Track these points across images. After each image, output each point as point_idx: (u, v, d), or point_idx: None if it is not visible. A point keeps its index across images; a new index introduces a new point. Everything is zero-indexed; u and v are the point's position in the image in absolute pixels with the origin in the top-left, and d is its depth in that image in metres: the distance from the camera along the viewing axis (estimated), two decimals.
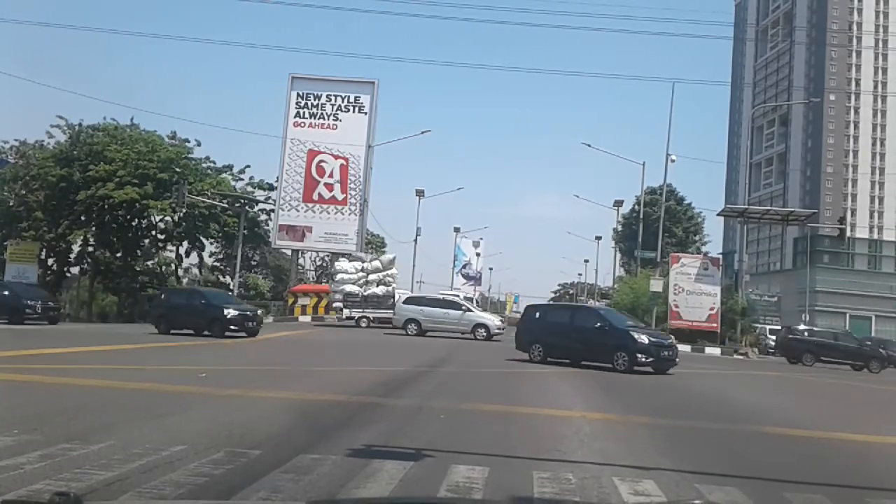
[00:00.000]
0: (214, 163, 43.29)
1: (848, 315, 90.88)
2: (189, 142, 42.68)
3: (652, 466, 6.04)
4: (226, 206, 41.56)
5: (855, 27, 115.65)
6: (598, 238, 70.18)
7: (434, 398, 9.92)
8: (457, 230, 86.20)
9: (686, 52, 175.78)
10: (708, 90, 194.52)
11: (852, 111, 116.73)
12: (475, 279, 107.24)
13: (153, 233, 43.10)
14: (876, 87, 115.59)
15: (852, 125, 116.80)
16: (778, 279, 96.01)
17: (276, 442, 6.26)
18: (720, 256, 40.36)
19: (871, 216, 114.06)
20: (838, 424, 10.28)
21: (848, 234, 60.27)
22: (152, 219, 41.79)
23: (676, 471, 5.95)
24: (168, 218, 41.27)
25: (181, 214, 41.04)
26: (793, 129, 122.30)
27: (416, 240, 56.28)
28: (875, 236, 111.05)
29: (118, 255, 42.55)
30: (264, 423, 7.27)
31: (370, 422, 7.67)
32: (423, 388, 11.35)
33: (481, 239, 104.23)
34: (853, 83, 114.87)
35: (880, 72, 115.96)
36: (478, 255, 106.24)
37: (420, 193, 54.51)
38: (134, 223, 42.63)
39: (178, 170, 40.60)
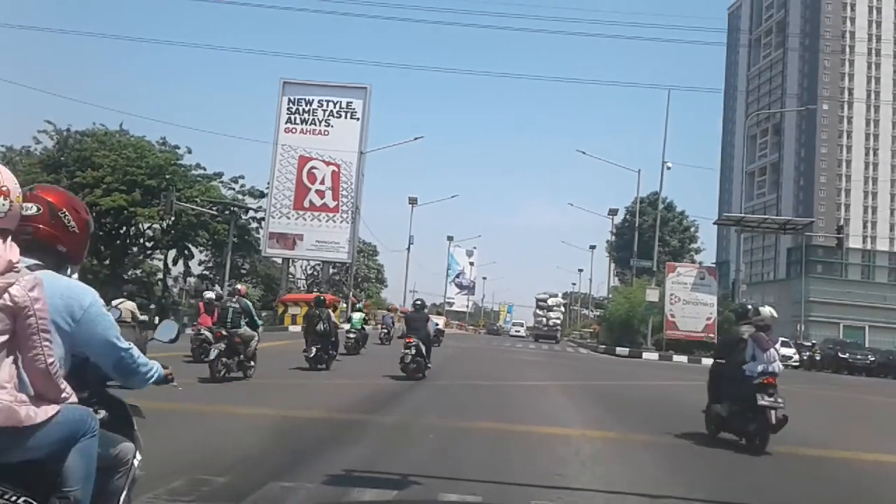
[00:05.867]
0: (205, 169, 42.72)
1: (842, 325, 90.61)
2: (179, 148, 42.09)
3: (661, 494, 5.47)
4: (215, 213, 40.92)
5: (848, 36, 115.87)
6: (593, 247, 69.96)
7: (423, 415, 9.33)
8: (450, 239, 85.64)
9: (681, 62, 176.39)
10: (701, 100, 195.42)
11: (845, 120, 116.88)
12: (469, 289, 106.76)
13: (140, 241, 42.41)
14: (869, 96, 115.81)
15: (845, 135, 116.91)
16: (771, 289, 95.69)
17: (245, 467, 5.65)
18: (716, 266, 39.92)
19: (865, 226, 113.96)
20: (854, 442, 9.74)
21: (847, 243, 59.80)
22: (140, 226, 41.12)
23: (688, 500, 5.38)
24: (156, 226, 40.63)
25: (169, 222, 40.41)
26: (786, 138, 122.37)
27: (408, 248, 55.74)
28: (868, 246, 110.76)
29: (106, 263, 41.81)
30: (237, 444, 6.66)
31: (352, 442, 7.07)
32: (412, 403, 10.74)
33: (475, 248, 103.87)
34: (846, 92, 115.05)
35: (873, 81, 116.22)
36: (471, 264, 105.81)
37: (413, 201, 53.95)
38: (122, 231, 41.97)
39: (167, 176, 39.96)
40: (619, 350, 34.23)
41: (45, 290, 2.26)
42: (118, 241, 41.91)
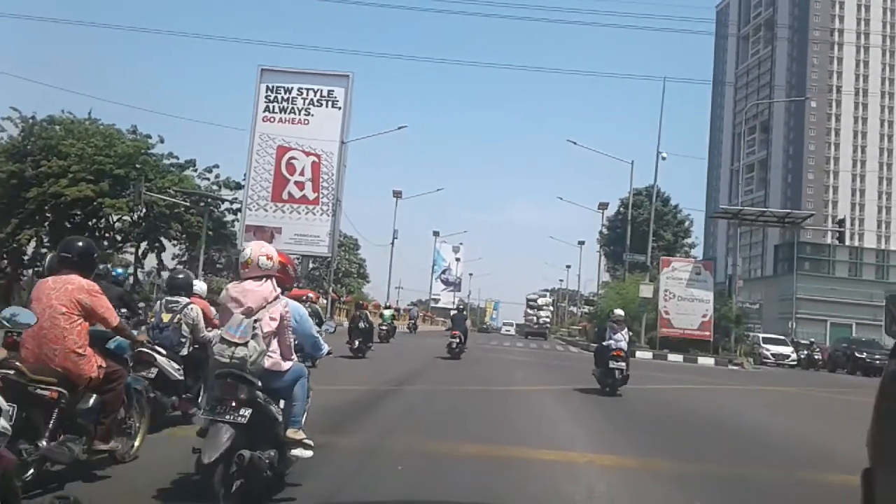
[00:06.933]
0: (178, 159, 40.80)
1: (829, 323, 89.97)
2: (151, 137, 40.15)
3: None
4: (188, 205, 39.01)
5: (836, 34, 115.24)
6: (581, 243, 68.64)
7: (393, 434, 7.64)
8: (436, 234, 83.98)
9: (669, 58, 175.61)
10: (690, 96, 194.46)
11: (833, 118, 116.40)
12: (455, 285, 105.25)
13: (109, 233, 40.46)
14: (857, 94, 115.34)
15: (833, 132, 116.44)
16: (758, 286, 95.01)
17: None
18: (713, 261, 38.50)
19: (852, 223, 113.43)
20: None
21: (847, 239, 58.52)
22: (110, 219, 39.19)
23: None
24: (126, 217, 38.75)
25: (140, 214, 38.54)
26: (774, 135, 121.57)
27: (392, 243, 53.98)
28: (856, 243, 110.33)
29: None
30: (145, 482, 4.95)
31: (293, 479, 5.37)
32: (384, 417, 9.01)
33: (461, 244, 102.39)
34: (834, 90, 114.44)
35: (861, 79, 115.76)
36: (457, 260, 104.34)
37: (398, 194, 52.23)
38: (90, 223, 40.02)
39: (137, 166, 38.07)
40: None
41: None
42: (87, 234, 39.96)
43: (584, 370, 19.54)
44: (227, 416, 4.17)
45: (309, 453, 4.83)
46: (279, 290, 4.67)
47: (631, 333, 15.69)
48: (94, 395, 4.80)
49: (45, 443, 4.40)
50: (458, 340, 21.02)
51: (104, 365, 4.91)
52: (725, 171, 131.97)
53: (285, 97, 40.78)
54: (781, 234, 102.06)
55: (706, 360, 30.85)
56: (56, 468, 4.54)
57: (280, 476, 4.69)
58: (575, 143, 41.27)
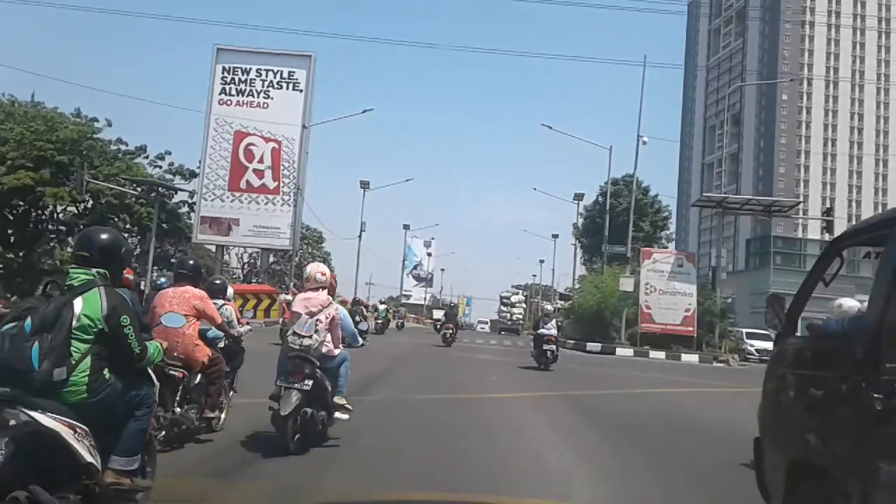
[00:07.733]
0: (126, 145, 38.22)
1: (800, 317, 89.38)
2: (98, 121, 37.48)
3: None
4: (138, 194, 36.43)
5: (807, 27, 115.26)
6: (556, 236, 67.02)
7: (328, 469, 5.53)
8: (406, 227, 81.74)
9: (643, 50, 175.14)
10: (661, 91, 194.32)
11: (804, 111, 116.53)
12: (426, 280, 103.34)
13: (53, 225, 37.76)
14: (827, 86, 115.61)
15: (804, 125, 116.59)
16: (730, 281, 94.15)
17: None
18: (694, 253, 36.88)
19: (824, 216, 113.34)
20: None
21: (824, 231, 57.37)
22: (55, 208, 36.54)
23: None
24: (72, 208, 36.09)
25: (86, 204, 35.95)
26: (745, 128, 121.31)
27: (360, 236, 51.71)
28: (826, 237, 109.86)
29: (20, 252, 37.07)
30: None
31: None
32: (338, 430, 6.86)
33: (433, 239, 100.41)
34: (805, 82, 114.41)
35: (832, 71, 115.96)
36: (429, 255, 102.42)
37: (365, 185, 49.81)
38: (33, 214, 37.33)
39: (83, 152, 35.44)
40: (589, 346, 30.82)
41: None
42: (29, 226, 37.28)
43: (560, 368, 17.81)
44: (296, 385, 5.85)
45: (346, 416, 6.49)
46: (331, 297, 6.50)
47: (561, 323, 20.27)
48: (200, 375, 6.20)
49: (178, 409, 5.81)
50: (450, 331, 26.30)
51: (211, 354, 6.31)
52: (697, 164, 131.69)
53: (243, 78, 38.31)
54: (753, 228, 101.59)
55: (690, 357, 29.17)
56: (173, 433, 5.76)
57: (324, 431, 6.34)
58: (550, 128, 39.46)
